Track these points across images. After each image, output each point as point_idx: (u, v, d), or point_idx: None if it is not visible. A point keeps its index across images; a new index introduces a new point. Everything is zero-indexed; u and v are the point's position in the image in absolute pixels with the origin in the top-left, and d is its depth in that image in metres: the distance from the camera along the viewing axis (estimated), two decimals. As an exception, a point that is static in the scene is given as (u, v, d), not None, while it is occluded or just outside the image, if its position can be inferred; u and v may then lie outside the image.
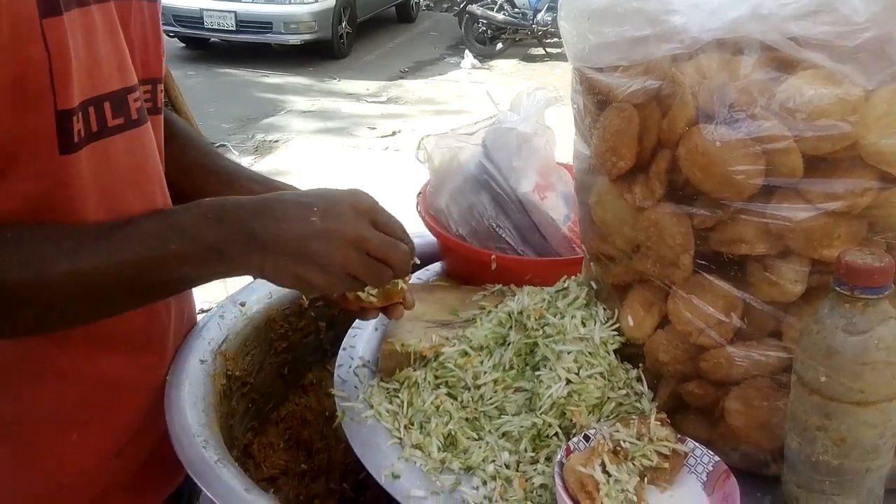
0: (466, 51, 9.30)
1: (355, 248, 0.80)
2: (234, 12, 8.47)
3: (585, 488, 0.72)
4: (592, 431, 0.81)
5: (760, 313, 0.74)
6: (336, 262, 0.79)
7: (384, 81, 8.31)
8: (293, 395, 1.32)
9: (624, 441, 0.79)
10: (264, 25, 8.57)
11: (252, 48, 8.82)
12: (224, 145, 6.14)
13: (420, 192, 1.26)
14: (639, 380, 0.86)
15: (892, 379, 0.62)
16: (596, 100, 0.84)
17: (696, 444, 0.79)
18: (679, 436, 0.79)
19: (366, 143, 6.33)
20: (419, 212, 1.23)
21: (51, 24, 0.74)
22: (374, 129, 6.68)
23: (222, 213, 0.80)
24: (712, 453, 0.77)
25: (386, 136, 6.50)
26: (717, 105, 0.71)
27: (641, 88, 0.78)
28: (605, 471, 0.74)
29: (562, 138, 1.20)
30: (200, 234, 0.78)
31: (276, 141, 6.33)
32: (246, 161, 5.85)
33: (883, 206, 0.68)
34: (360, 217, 0.81)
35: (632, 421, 0.81)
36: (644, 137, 0.79)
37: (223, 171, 1.09)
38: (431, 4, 12.54)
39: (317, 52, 8.88)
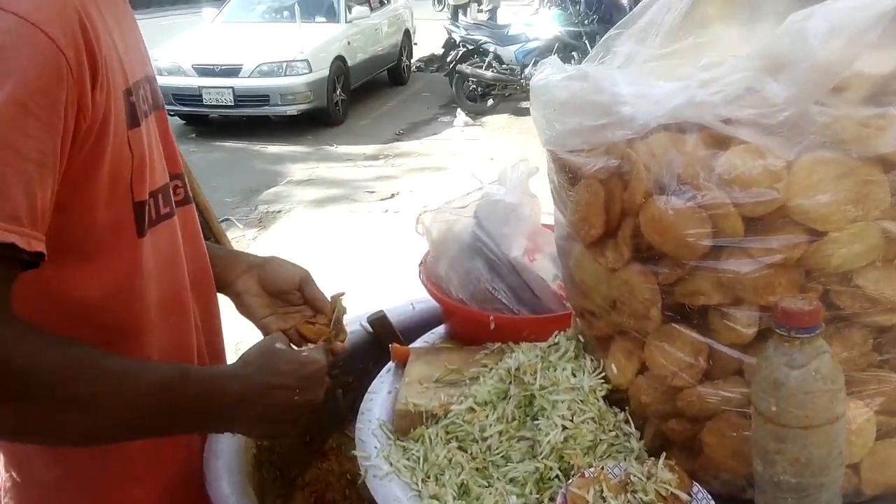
0: (458, 109, 9.56)
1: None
2: (232, 88, 8.76)
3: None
4: (591, 470, 0.90)
5: (723, 355, 0.85)
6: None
7: (380, 145, 8.53)
8: (316, 460, 1.42)
9: (633, 475, 0.88)
10: (261, 99, 8.85)
11: (250, 121, 9.09)
12: (228, 219, 6.31)
13: (421, 262, 1.38)
14: (627, 422, 0.96)
15: (831, 404, 0.73)
16: (567, 177, 0.97)
17: (704, 492, 0.85)
18: (694, 484, 0.86)
19: (366, 207, 6.49)
20: (422, 280, 1.35)
21: (134, 134, 0.92)
22: (373, 192, 6.86)
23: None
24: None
25: (385, 198, 6.66)
26: (667, 178, 0.83)
27: (604, 166, 0.91)
28: (601, 496, 0.84)
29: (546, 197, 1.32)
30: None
31: (279, 211, 6.50)
32: (250, 233, 6.00)
33: (814, 256, 0.79)
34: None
35: (647, 461, 0.90)
36: (610, 208, 0.91)
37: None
38: (422, 66, 12.91)
39: (313, 120, 9.14)
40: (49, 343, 0.83)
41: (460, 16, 12.48)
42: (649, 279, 0.88)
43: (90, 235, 0.90)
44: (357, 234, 5.88)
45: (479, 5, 14.30)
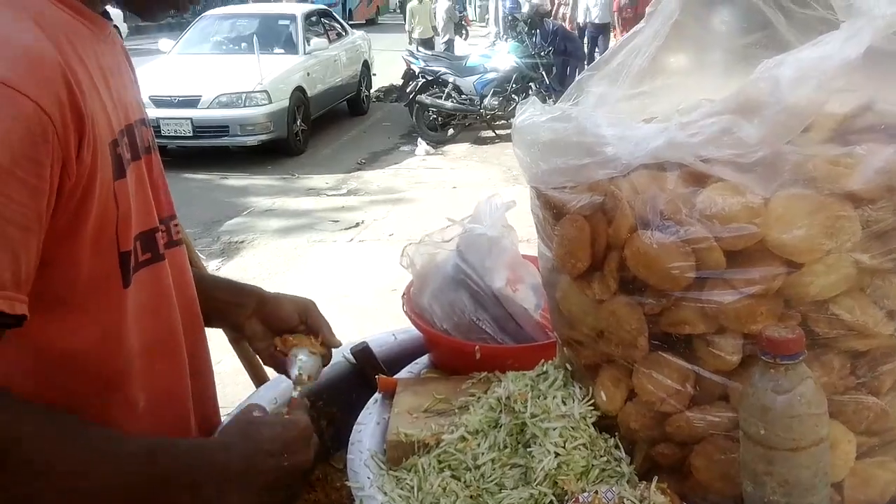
0: (419, 138, 9.65)
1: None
2: (191, 119, 8.70)
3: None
4: (586, 495, 0.93)
5: (709, 381, 0.89)
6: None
7: (342, 174, 8.54)
8: (303, 491, 1.42)
9: (627, 499, 0.91)
10: (221, 129, 8.80)
11: (210, 151, 9.02)
12: (191, 251, 6.21)
13: (404, 293, 1.40)
14: (617, 447, 1.00)
15: (815, 427, 0.77)
16: (552, 212, 1.01)
17: None
18: None
19: (330, 237, 6.48)
20: (405, 311, 1.37)
21: (120, 185, 0.91)
22: (336, 221, 6.85)
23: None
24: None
25: (349, 227, 6.66)
26: (650, 214, 0.88)
27: (589, 203, 0.95)
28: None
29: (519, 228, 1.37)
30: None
31: (242, 242, 6.44)
32: (213, 264, 5.93)
33: (793, 286, 0.84)
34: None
35: (640, 484, 0.93)
36: (595, 242, 0.95)
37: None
38: (381, 96, 13.00)
39: (274, 151, 9.12)
40: (27, 410, 0.83)
41: (420, 48, 12.65)
42: (636, 310, 0.92)
43: (75, 288, 0.89)
44: (322, 263, 5.86)
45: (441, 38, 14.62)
